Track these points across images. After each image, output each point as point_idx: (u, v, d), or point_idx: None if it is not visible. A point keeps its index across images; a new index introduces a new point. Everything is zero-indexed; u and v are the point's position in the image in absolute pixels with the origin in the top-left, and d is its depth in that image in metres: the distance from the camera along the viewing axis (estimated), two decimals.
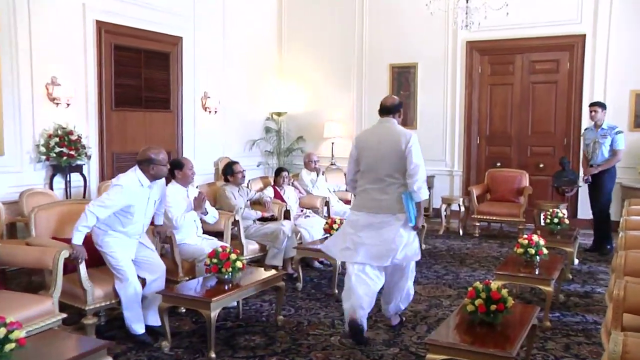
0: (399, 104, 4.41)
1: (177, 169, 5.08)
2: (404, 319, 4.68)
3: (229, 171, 6.16)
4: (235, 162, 6.29)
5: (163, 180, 4.44)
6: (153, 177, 4.23)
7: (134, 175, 4.19)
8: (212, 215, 5.37)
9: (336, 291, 5.39)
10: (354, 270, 4.22)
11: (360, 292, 4.16)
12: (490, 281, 3.42)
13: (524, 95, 8.93)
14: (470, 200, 8.23)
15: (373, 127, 4.47)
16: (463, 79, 9.17)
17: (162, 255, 4.71)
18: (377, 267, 4.23)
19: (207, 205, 5.32)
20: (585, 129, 7.37)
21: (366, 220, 4.23)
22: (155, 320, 4.21)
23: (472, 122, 9.20)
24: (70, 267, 4.07)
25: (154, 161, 4.19)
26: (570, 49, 8.49)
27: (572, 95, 8.53)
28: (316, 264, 6.39)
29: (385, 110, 4.37)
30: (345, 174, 8.80)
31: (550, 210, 6.16)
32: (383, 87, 9.70)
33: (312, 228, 6.32)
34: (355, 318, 4.14)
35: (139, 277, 4.25)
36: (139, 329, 4.20)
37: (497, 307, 3.24)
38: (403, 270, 4.36)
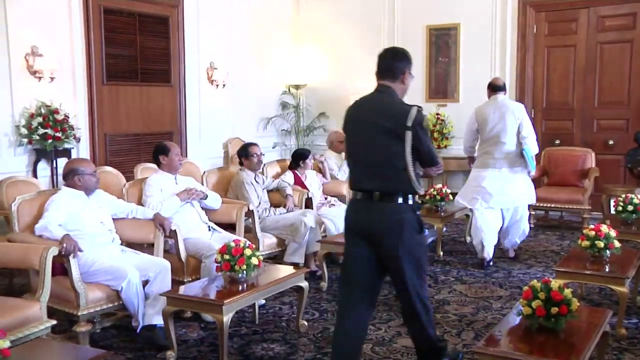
0: (504, 82, 6.57)
1: (161, 155, 5.29)
2: (519, 253, 6.65)
3: (242, 153, 6.18)
4: (253, 144, 6.31)
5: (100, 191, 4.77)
6: (86, 190, 4.56)
7: (63, 193, 4.52)
8: (214, 198, 5.47)
9: None
10: (479, 215, 6.25)
11: (485, 231, 6.21)
12: (550, 279, 3.38)
13: (589, 58, 8.76)
14: None
15: (490, 102, 6.34)
16: (515, 41, 9.03)
17: (166, 252, 4.77)
18: (498, 210, 6.26)
19: (204, 188, 5.54)
20: None
21: (490, 174, 6.21)
22: (158, 320, 4.27)
23: (526, 92, 9.08)
24: (59, 268, 4.12)
25: (78, 171, 4.53)
26: None
27: None
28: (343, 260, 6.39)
29: (498, 87, 6.35)
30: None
31: (623, 195, 6.06)
32: (418, 53, 9.58)
33: (338, 218, 6.31)
34: (484, 257, 6.24)
35: (143, 280, 4.37)
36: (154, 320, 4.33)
37: (559, 309, 3.20)
38: (520, 211, 6.36)
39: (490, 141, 6.24)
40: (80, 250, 4.10)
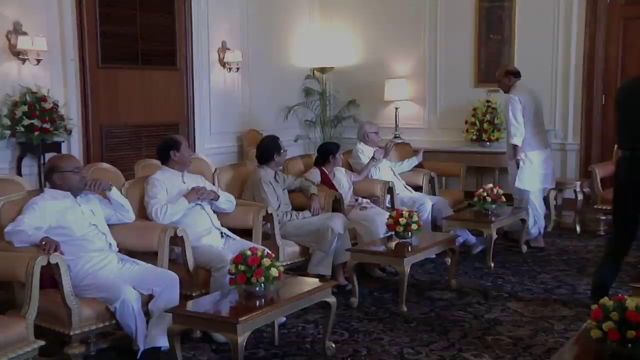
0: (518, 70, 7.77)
1: (172, 150, 5.32)
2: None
3: (274, 148, 6.16)
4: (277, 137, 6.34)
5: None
6: (69, 190, 4.59)
7: (45, 195, 4.57)
8: (226, 199, 5.51)
9: (405, 308, 5.39)
10: (535, 197, 7.50)
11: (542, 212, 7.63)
12: (625, 297, 3.33)
13: None
14: (592, 185, 8.05)
15: (519, 87, 7.45)
16: (582, 12, 8.94)
17: (171, 262, 4.79)
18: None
19: (215, 187, 5.58)
20: None
21: (545, 154, 7.50)
22: (163, 341, 4.29)
23: (595, 75, 8.98)
24: (48, 281, 4.16)
25: (58, 169, 4.57)
26: None
27: None
28: (377, 271, 6.38)
29: (519, 73, 7.55)
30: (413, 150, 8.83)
31: None
32: (465, 32, 9.56)
33: (371, 223, 6.30)
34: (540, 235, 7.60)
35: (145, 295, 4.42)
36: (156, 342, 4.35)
37: (636, 333, 3.15)
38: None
39: (535, 122, 7.42)
40: (62, 253, 4.13)
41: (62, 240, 4.27)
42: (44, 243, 4.10)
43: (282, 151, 6.21)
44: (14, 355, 3.67)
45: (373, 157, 7.30)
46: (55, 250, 4.08)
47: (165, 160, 5.36)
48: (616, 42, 8.93)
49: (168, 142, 5.36)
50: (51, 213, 4.44)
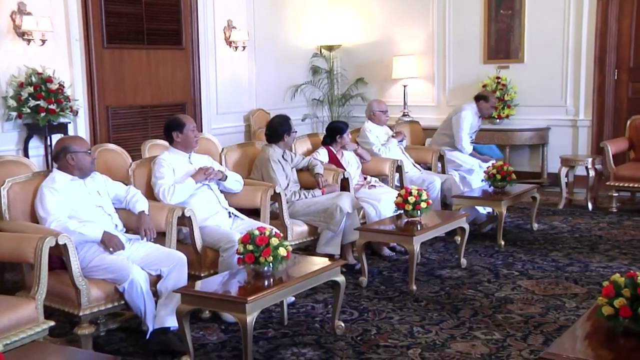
0: (483, 96, 7.99)
1: (175, 131, 5.31)
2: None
3: (284, 128, 6.16)
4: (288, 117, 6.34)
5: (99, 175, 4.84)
6: (80, 171, 4.59)
7: (54, 177, 4.57)
8: (234, 179, 5.51)
9: (414, 287, 5.41)
10: None
11: None
12: (637, 273, 3.33)
13: None
14: (604, 162, 8.03)
15: None
16: None
17: (179, 242, 4.82)
18: None
19: (223, 167, 5.57)
20: None
21: None
22: (172, 322, 4.33)
23: (608, 50, 8.92)
24: (57, 262, 4.19)
25: (70, 149, 4.56)
26: None
27: None
28: (386, 250, 6.40)
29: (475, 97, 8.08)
30: (422, 128, 8.82)
31: None
32: (475, 7, 9.51)
33: (380, 202, 6.32)
34: None
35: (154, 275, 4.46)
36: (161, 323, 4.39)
37: None
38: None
39: None
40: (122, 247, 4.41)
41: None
42: (113, 242, 4.41)
43: (292, 132, 6.22)
44: (24, 336, 3.70)
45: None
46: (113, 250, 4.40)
47: (170, 141, 5.39)
48: (629, 16, 8.86)
49: (171, 123, 5.35)
50: (63, 196, 4.46)
